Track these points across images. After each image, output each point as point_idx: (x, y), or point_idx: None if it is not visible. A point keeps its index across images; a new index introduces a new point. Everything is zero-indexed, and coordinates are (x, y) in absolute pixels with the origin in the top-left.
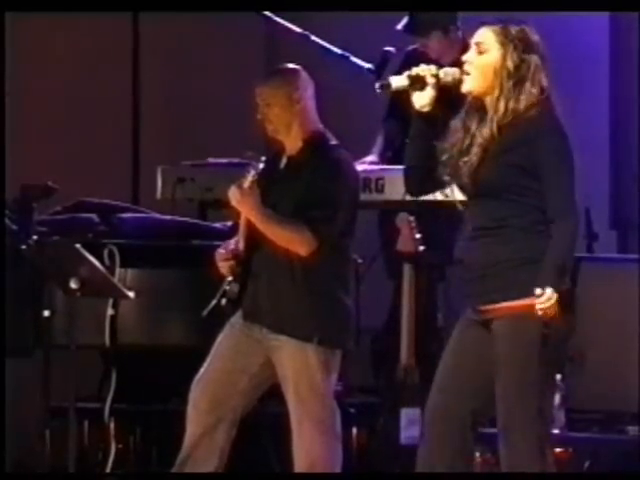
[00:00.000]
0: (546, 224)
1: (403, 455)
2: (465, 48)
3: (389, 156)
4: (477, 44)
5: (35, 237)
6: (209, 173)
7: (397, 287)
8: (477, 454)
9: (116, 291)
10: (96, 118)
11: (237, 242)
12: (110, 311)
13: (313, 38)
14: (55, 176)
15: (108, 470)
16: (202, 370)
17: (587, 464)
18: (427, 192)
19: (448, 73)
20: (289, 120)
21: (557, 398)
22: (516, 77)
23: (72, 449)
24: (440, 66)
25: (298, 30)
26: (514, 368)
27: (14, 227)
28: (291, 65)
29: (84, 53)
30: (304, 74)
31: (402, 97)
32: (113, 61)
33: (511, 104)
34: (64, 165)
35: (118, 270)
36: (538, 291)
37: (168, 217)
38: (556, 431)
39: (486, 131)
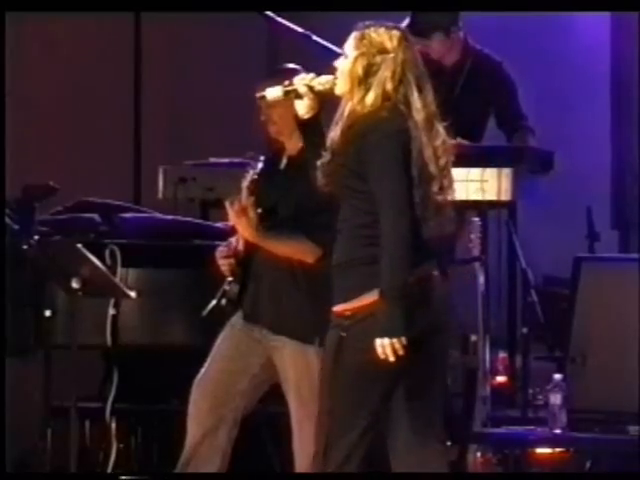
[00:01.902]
0: (374, 229)
1: None
2: (466, 49)
3: None
4: (344, 51)
5: (37, 237)
6: (210, 173)
7: None
8: (478, 454)
9: (118, 291)
10: (98, 118)
11: (237, 241)
12: (112, 311)
13: (315, 38)
14: (56, 176)
15: (109, 470)
16: (203, 370)
17: (588, 464)
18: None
19: (321, 82)
20: (291, 120)
21: (559, 398)
22: (364, 81)
23: (73, 449)
24: (439, 68)
25: (300, 30)
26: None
27: (16, 227)
28: (291, 65)
29: (85, 53)
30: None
31: None
32: (115, 61)
33: (354, 106)
34: (65, 165)
35: (119, 270)
36: (378, 342)
37: (169, 217)
38: (558, 431)
39: (333, 134)
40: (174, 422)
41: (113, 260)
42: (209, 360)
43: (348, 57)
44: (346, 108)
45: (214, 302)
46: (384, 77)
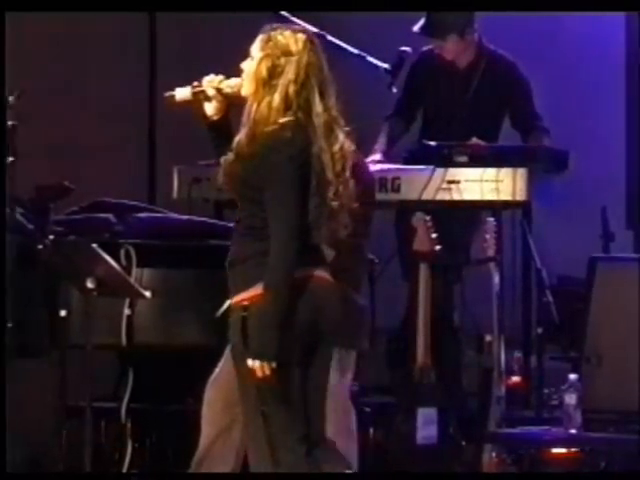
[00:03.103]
0: (259, 230)
1: (419, 455)
2: (481, 50)
3: (404, 156)
4: (250, 52)
5: (51, 237)
6: None
7: (413, 287)
8: (493, 454)
9: (132, 291)
10: (112, 118)
11: None
12: (126, 311)
13: (329, 38)
14: (71, 176)
15: (124, 470)
16: (217, 370)
17: (603, 464)
18: None
19: (230, 84)
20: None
21: (573, 398)
22: (269, 83)
23: (88, 449)
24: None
25: (314, 30)
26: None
27: (30, 227)
28: None
29: (100, 52)
30: None
31: (411, 96)
32: (129, 61)
33: (261, 110)
34: (80, 165)
35: (134, 270)
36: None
37: (184, 217)
38: (572, 431)
39: (240, 136)
40: (188, 422)
41: (128, 260)
42: (223, 360)
43: (254, 58)
44: (252, 110)
45: (229, 302)
46: (287, 80)
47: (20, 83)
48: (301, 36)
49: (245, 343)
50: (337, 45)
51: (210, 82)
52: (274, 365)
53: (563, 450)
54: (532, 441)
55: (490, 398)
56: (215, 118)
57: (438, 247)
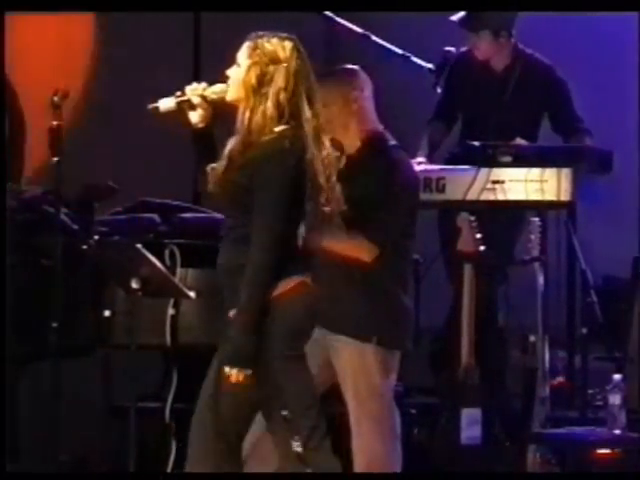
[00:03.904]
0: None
1: (464, 455)
2: (517, 54)
3: (446, 157)
4: (236, 59)
5: (96, 237)
6: None
7: (457, 287)
8: (537, 455)
9: (177, 291)
10: (157, 118)
11: None
12: (171, 311)
13: (374, 38)
14: (116, 176)
15: (169, 470)
16: None
17: None
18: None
19: (215, 91)
20: (346, 120)
21: (618, 399)
22: (259, 90)
23: (133, 449)
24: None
25: (359, 30)
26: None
27: (75, 227)
28: (349, 65)
29: (146, 53)
30: (362, 74)
31: (450, 98)
32: (175, 61)
33: (256, 119)
34: (125, 165)
35: (179, 270)
36: (226, 369)
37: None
38: (617, 432)
39: (233, 142)
40: None
41: (172, 260)
42: None
43: (241, 66)
44: (246, 118)
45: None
46: (278, 87)
47: (66, 83)
48: (288, 43)
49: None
50: (382, 45)
51: (194, 90)
52: (249, 372)
53: (607, 450)
54: (576, 441)
55: (534, 398)
56: (200, 126)
57: (482, 247)
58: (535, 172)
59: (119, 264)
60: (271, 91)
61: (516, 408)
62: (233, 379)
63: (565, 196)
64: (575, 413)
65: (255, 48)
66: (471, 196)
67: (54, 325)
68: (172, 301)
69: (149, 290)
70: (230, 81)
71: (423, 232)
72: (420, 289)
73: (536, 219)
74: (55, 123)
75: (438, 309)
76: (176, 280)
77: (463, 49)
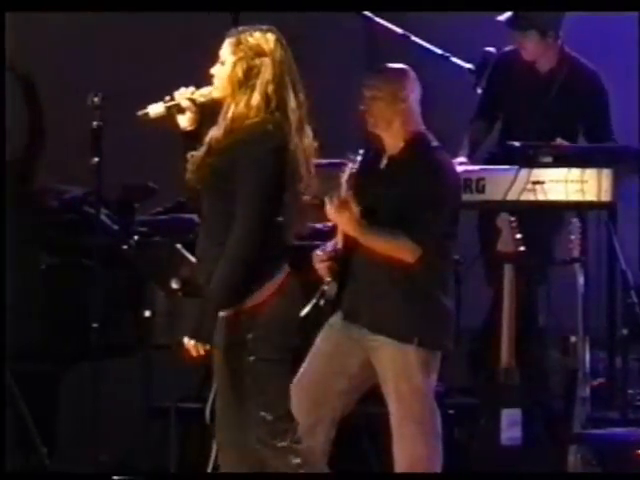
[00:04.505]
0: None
1: (504, 456)
2: (563, 57)
3: (485, 157)
4: (219, 57)
5: (136, 237)
6: None
7: (497, 288)
8: (578, 455)
9: None
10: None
11: (335, 243)
12: None
13: (413, 38)
14: (156, 176)
15: (209, 470)
16: (301, 371)
17: None
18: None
19: (203, 93)
20: (390, 117)
21: None
22: (246, 84)
23: (173, 449)
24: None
25: (399, 31)
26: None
27: (115, 227)
28: (402, 65)
29: (189, 53)
30: (413, 76)
31: (492, 98)
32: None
33: (240, 109)
34: (165, 165)
35: None
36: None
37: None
38: None
39: (214, 132)
40: None
41: None
42: (307, 360)
43: (226, 63)
44: (230, 110)
45: (313, 302)
46: (265, 80)
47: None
48: (270, 35)
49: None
50: (421, 46)
51: (182, 95)
52: (207, 347)
53: None
54: (617, 442)
55: (575, 399)
56: (190, 129)
57: (522, 248)
58: (575, 173)
59: (159, 264)
60: (258, 83)
61: (557, 409)
62: (194, 352)
63: (605, 196)
64: (615, 414)
65: (238, 43)
66: (511, 197)
67: (95, 325)
68: None
69: (189, 290)
70: (216, 79)
71: (463, 233)
72: (461, 290)
73: (576, 220)
74: (95, 124)
75: (478, 310)
76: None
77: (507, 49)
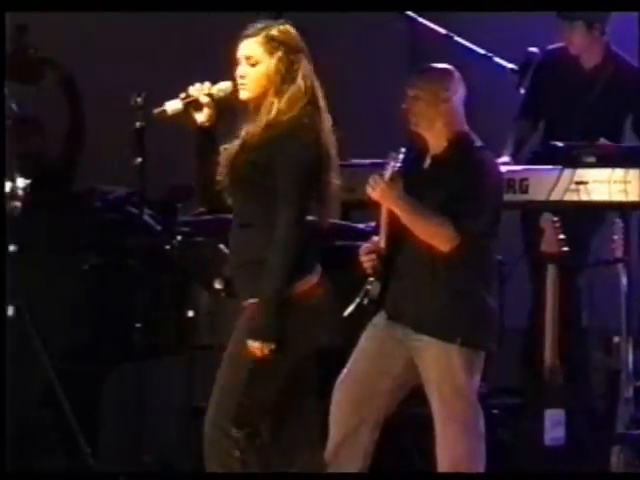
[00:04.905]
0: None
1: (547, 456)
2: (608, 54)
3: (528, 157)
4: (247, 58)
5: (179, 237)
6: (352, 173)
7: (539, 287)
8: (621, 455)
9: None
10: (240, 118)
11: (378, 242)
12: None
13: (456, 38)
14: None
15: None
16: (345, 371)
17: None
18: (214, 203)
19: (221, 89)
20: (432, 117)
21: None
22: (288, 80)
23: None
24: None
25: (442, 31)
26: (226, 361)
27: (158, 227)
28: (447, 65)
29: (229, 52)
30: (458, 76)
31: (536, 96)
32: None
33: (282, 105)
34: None
35: None
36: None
37: (311, 218)
38: None
39: (251, 127)
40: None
41: None
42: (351, 360)
43: (261, 62)
44: (273, 106)
45: (356, 302)
46: (304, 74)
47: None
48: (291, 28)
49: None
50: (464, 46)
51: (200, 90)
52: (272, 346)
53: None
54: None
55: (618, 400)
56: (206, 125)
57: (566, 248)
58: (619, 173)
59: (202, 264)
60: (299, 78)
61: (600, 409)
62: (258, 352)
63: None
64: None
65: (270, 41)
66: (555, 197)
67: (138, 326)
68: None
69: (232, 290)
70: (248, 79)
71: (506, 233)
72: (504, 289)
73: (619, 220)
74: (138, 124)
75: (522, 310)
76: None
77: (551, 47)
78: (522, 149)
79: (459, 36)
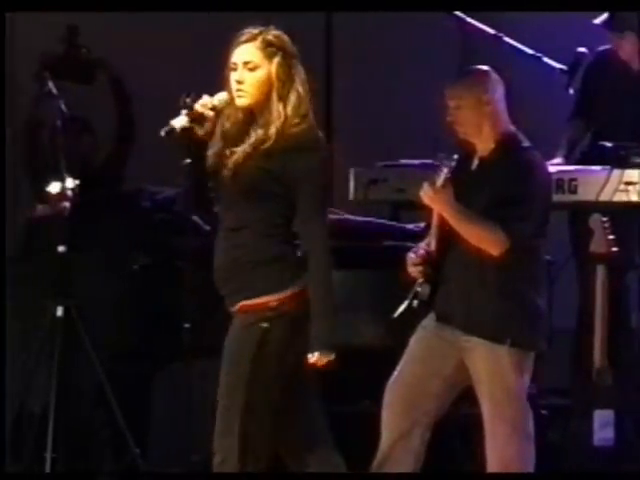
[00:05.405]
0: (282, 229)
1: (596, 457)
2: None
3: (576, 157)
4: (245, 63)
5: None
6: (401, 174)
7: (587, 288)
8: None
9: None
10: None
11: (428, 244)
12: None
13: (505, 39)
14: None
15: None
16: (395, 373)
17: None
18: (200, 207)
19: (221, 100)
20: (479, 122)
21: None
22: (287, 84)
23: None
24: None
25: (491, 31)
26: (227, 359)
27: (207, 228)
28: (481, 66)
29: None
30: (494, 75)
31: (587, 97)
32: (305, 62)
33: (287, 110)
34: None
35: None
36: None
37: (360, 218)
38: None
39: (259, 133)
40: (365, 424)
41: None
42: (401, 363)
43: (261, 67)
44: (273, 111)
45: (406, 303)
46: (301, 79)
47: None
48: (284, 35)
49: (259, 357)
50: (513, 46)
51: (205, 105)
52: (332, 356)
53: None
54: None
55: None
56: (205, 136)
57: (615, 248)
58: None
59: None
60: (297, 83)
61: None
62: (319, 363)
63: None
64: None
65: (268, 46)
66: (604, 197)
67: (186, 326)
68: None
69: None
70: (247, 85)
71: (554, 233)
72: (553, 290)
73: None
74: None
75: (571, 310)
76: None
77: (601, 48)
78: (575, 150)
79: (508, 36)
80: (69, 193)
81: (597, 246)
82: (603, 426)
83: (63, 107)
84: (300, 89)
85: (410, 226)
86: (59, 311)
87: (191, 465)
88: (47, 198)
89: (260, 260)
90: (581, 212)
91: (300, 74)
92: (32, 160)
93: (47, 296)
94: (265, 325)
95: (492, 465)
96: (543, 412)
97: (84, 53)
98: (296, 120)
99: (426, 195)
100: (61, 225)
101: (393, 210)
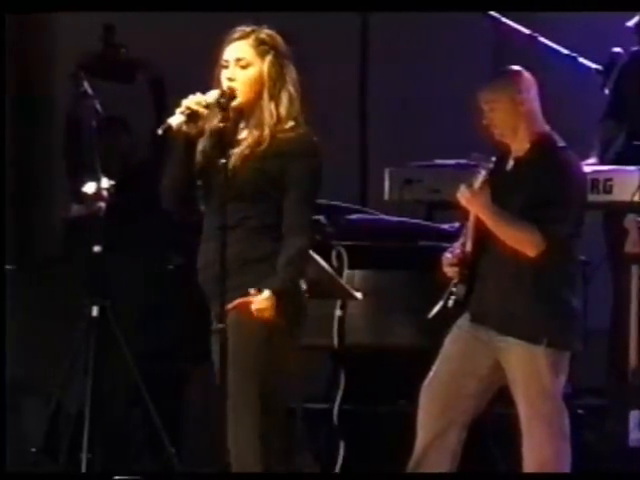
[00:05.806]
0: (273, 227)
1: (631, 457)
2: None
3: (611, 157)
4: (237, 60)
5: None
6: (436, 174)
7: (622, 288)
8: None
9: (344, 292)
10: (324, 120)
11: (463, 245)
12: (338, 312)
13: (540, 39)
14: None
15: (337, 470)
16: (431, 374)
17: None
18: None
19: (215, 97)
20: (515, 123)
21: None
22: (279, 83)
23: (300, 449)
24: None
25: (526, 31)
26: (235, 357)
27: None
28: (513, 67)
29: (311, 53)
30: (527, 75)
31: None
32: (341, 62)
33: (280, 110)
34: None
35: (346, 271)
36: (252, 291)
37: (395, 218)
38: None
39: (253, 133)
40: (400, 424)
41: (340, 261)
42: (437, 363)
43: (253, 65)
44: (270, 109)
45: (441, 303)
46: (293, 78)
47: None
48: (276, 34)
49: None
50: (548, 46)
51: (198, 103)
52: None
53: None
54: None
55: None
56: (200, 134)
57: None
58: None
59: None
60: (288, 82)
61: None
62: (260, 300)
63: None
64: None
65: (260, 44)
66: (638, 197)
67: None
68: (339, 302)
69: (316, 291)
70: (238, 82)
71: (589, 233)
72: (588, 290)
73: None
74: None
75: (606, 310)
76: (343, 281)
77: (635, 48)
78: (609, 150)
79: (543, 36)
80: (104, 193)
81: (632, 246)
82: (638, 426)
83: (98, 107)
84: (291, 89)
85: (445, 226)
86: (94, 311)
87: (226, 466)
88: (83, 198)
89: (251, 258)
90: (616, 212)
91: (292, 74)
92: (70, 160)
93: (83, 296)
94: (259, 322)
95: (529, 464)
96: (579, 411)
97: (123, 53)
98: (291, 123)
99: (463, 197)
100: (96, 225)
101: (427, 210)
